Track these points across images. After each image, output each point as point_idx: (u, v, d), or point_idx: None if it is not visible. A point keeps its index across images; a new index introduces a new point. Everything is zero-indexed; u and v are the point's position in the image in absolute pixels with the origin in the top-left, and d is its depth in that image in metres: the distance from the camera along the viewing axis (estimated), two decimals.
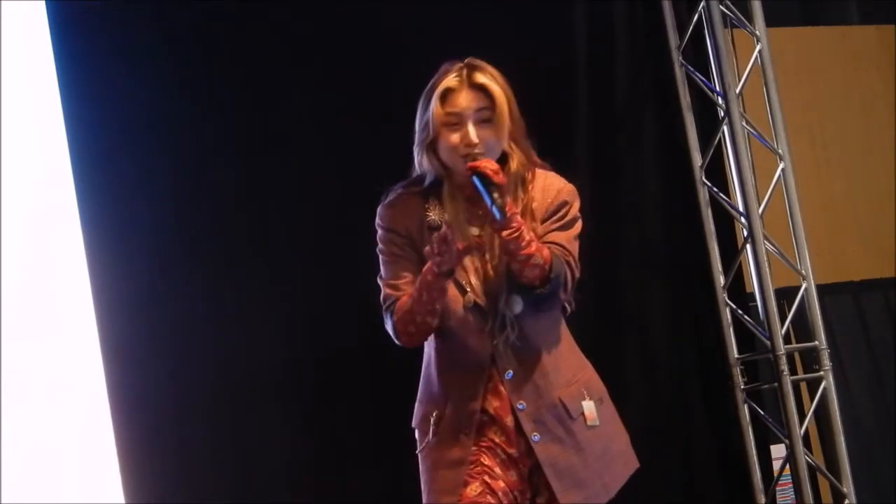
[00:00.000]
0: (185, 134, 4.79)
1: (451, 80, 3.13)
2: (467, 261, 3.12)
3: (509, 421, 3.15)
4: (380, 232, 3.23)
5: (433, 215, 3.16)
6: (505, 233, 3.04)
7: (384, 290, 3.21)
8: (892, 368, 6.07)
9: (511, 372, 3.14)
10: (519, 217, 3.07)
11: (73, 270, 4.58)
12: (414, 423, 3.27)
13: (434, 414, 3.18)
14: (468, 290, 3.13)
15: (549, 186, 3.22)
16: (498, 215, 3.00)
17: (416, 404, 3.28)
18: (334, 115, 4.91)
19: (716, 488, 5.30)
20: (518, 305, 3.13)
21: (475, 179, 3.04)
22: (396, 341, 3.23)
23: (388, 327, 3.21)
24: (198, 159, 4.80)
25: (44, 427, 4.50)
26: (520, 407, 3.13)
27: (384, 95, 4.84)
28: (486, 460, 3.15)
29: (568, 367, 3.23)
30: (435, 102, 3.11)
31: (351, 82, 4.92)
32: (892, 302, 6.21)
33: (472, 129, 3.09)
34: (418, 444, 3.25)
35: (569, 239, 3.19)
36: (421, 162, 3.19)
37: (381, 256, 3.23)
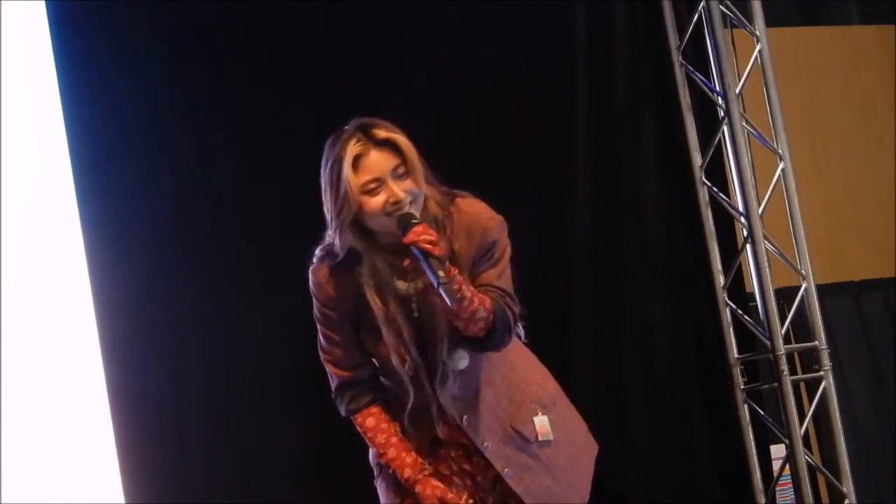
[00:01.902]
0: (185, 134, 4.79)
1: (354, 147, 3.00)
2: (400, 319, 3.06)
3: (465, 440, 3.16)
4: (315, 303, 3.16)
5: (364, 282, 3.08)
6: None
7: (329, 368, 3.19)
8: (892, 368, 6.07)
9: (465, 417, 3.13)
10: (458, 276, 2.97)
11: (73, 270, 4.58)
12: (370, 458, 3.28)
13: (378, 459, 3.21)
14: (406, 358, 3.08)
15: (474, 226, 3.11)
16: (448, 300, 2.91)
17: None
18: (334, 115, 4.89)
19: (716, 488, 5.30)
20: (464, 361, 3.10)
21: (417, 253, 2.94)
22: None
23: (339, 410, 3.22)
24: (198, 159, 4.80)
25: (44, 427, 4.50)
26: (486, 447, 3.14)
27: (384, 95, 4.84)
28: (445, 469, 3.17)
29: (513, 390, 3.19)
30: (348, 175, 2.98)
31: (351, 82, 4.92)
32: (892, 302, 6.21)
33: (394, 187, 2.99)
34: (375, 476, 3.28)
35: (500, 275, 3.11)
36: (342, 241, 3.06)
37: (319, 329, 3.18)
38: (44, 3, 4.64)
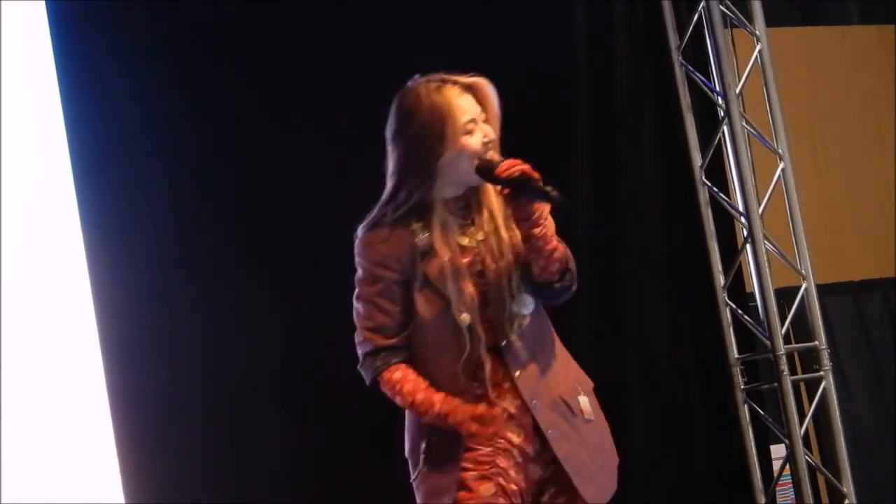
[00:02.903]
0: (185, 134, 4.79)
1: (451, 90, 3.10)
2: (464, 271, 3.10)
3: (527, 420, 3.15)
4: (367, 267, 3.15)
5: (422, 239, 3.12)
6: (536, 230, 3.07)
7: (365, 335, 3.17)
8: (892, 368, 6.07)
9: (518, 372, 3.14)
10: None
11: (73, 270, 4.58)
12: (406, 453, 3.24)
13: (423, 443, 3.17)
14: (462, 308, 3.10)
15: None
16: (564, 207, 3.03)
17: (406, 433, 3.24)
18: (334, 115, 4.91)
19: (716, 488, 5.30)
20: (529, 307, 3.14)
21: (514, 183, 3.03)
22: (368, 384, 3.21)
23: (366, 376, 3.19)
24: (198, 159, 4.80)
25: (44, 427, 4.50)
26: (535, 405, 3.14)
27: (385, 97, 4.82)
28: (502, 462, 3.15)
29: (560, 364, 3.24)
30: (454, 116, 3.06)
31: (351, 83, 4.93)
32: (892, 302, 6.21)
33: (487, 128, 3.11)
34: (411, 472, 3.22)
35: (553, 233, 3.19)
36: (428, 188, 3.10)
37: (362, 295, 3.16)
38: (44, 3, 4.64)
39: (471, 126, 3.09)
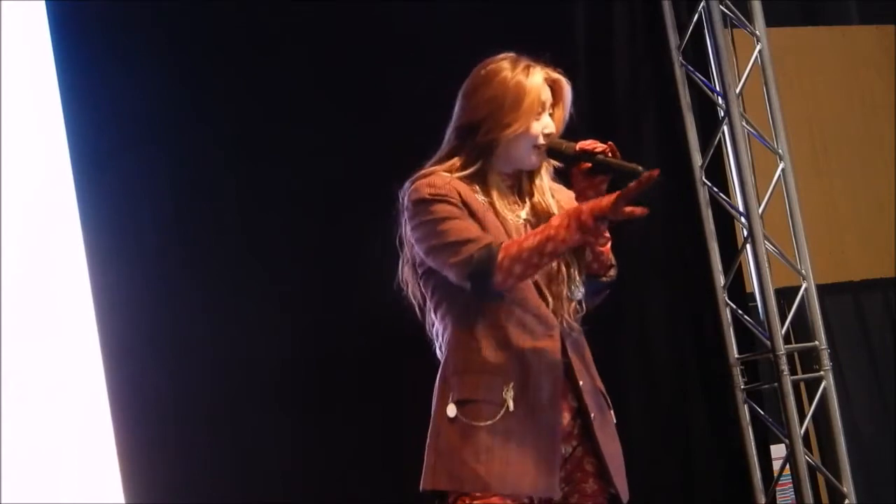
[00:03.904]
0: (185, 134, 4.79)
1: (539, 74, 3.19)
2: (521, 230, 3.15)
3: (571, 399, 3.15)
4: (430, 200, 3.07)
5: (481, 197, 3.13)
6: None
7: (463, 239, 3.03)
8: (892, 368, 6.07)
9: (571, 350, 3.17)
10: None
11: (73, 270, 4.58)
12: (465, 396, 3.06)
13: (511, 383, 3.04)
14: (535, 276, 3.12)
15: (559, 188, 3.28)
16: (655, 180, 3.06)
17: (465, 377, 3.07)
18: (335, 115, 4.91)
19: (716, 488, 5.30)
20: (579, 293, 3.19)
21: (600, 159, 3.07)
22: (488, 279, 3.02)
23: (479, 270, 3.02)
24: (198, 159, 4.80)
25: (44, 427, 4.50)
26: (582, 385, 3.15)
27: (385, 97, 4.85)
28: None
29: (593, 365, 3.27)
30: (536, 95, 3.14)
31: (352, 84, 4.93)
32: (892, 302, 6.21)
33: (549, 119, 3.17)
34: (474, 418, 3.03)
35: None
36: (485, 156, 3.12)
37: (434, 223, 3.06)
38: (44, 3, 4.64)
39: (539, 110, 3.15)
